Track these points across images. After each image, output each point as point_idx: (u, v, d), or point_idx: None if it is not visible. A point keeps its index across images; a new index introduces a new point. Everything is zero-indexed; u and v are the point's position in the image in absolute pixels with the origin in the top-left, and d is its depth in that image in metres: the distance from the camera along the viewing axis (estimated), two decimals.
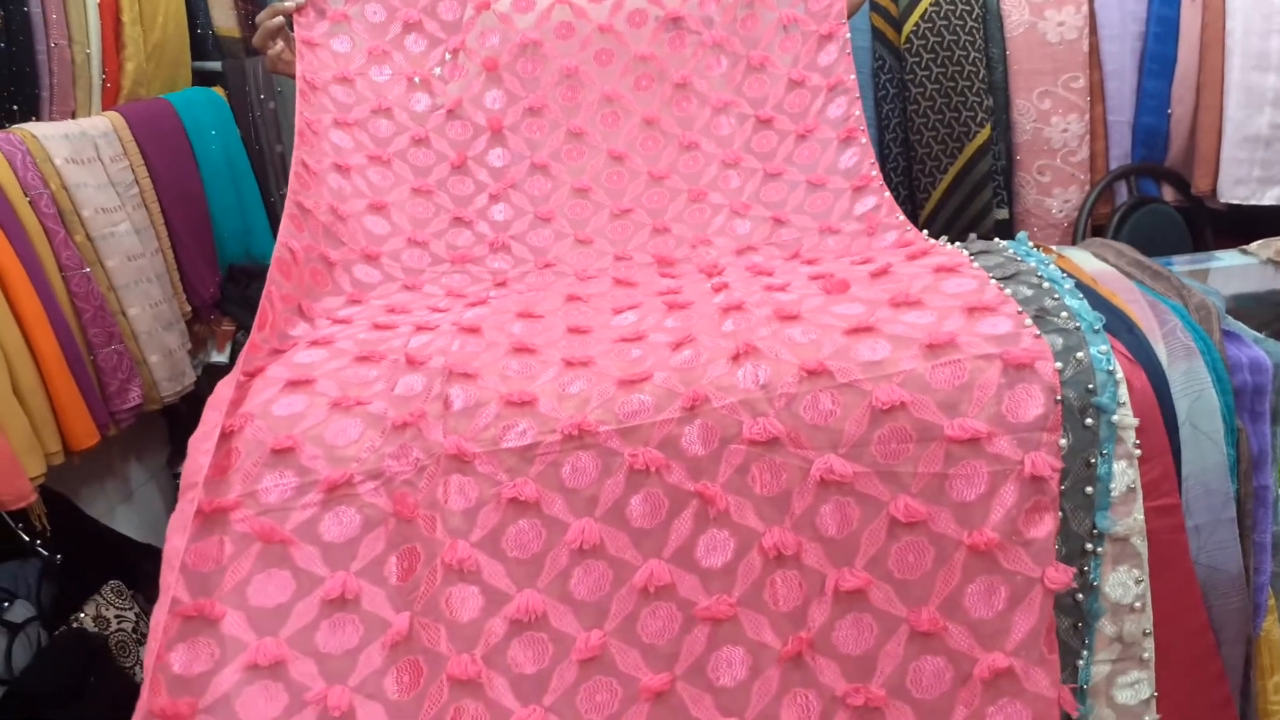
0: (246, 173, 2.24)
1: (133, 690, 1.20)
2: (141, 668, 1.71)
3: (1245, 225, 2.11)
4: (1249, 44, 1.96)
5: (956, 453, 0.96)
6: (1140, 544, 0.97)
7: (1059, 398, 0.96)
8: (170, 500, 2.12)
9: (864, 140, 1.42)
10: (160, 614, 0.91)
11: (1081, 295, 1.06)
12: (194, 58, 2.25)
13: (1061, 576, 0.94)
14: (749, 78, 1.50)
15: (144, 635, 1.79)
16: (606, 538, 0.97)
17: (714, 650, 0.96)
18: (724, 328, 1.08)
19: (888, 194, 1.37)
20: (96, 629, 1.72)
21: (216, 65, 2.29)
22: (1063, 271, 1.12)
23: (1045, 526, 0.95)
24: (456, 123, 1.50)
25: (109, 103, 1.95)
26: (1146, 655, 0.98)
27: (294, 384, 1.07)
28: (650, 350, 1.08)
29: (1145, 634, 0.98)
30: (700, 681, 0.96)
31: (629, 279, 1.35)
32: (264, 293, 1.15)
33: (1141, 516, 0.97)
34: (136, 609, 1.82)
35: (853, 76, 1.45)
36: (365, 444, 1.01)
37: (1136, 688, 0.99)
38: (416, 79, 1.51)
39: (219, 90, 2.25)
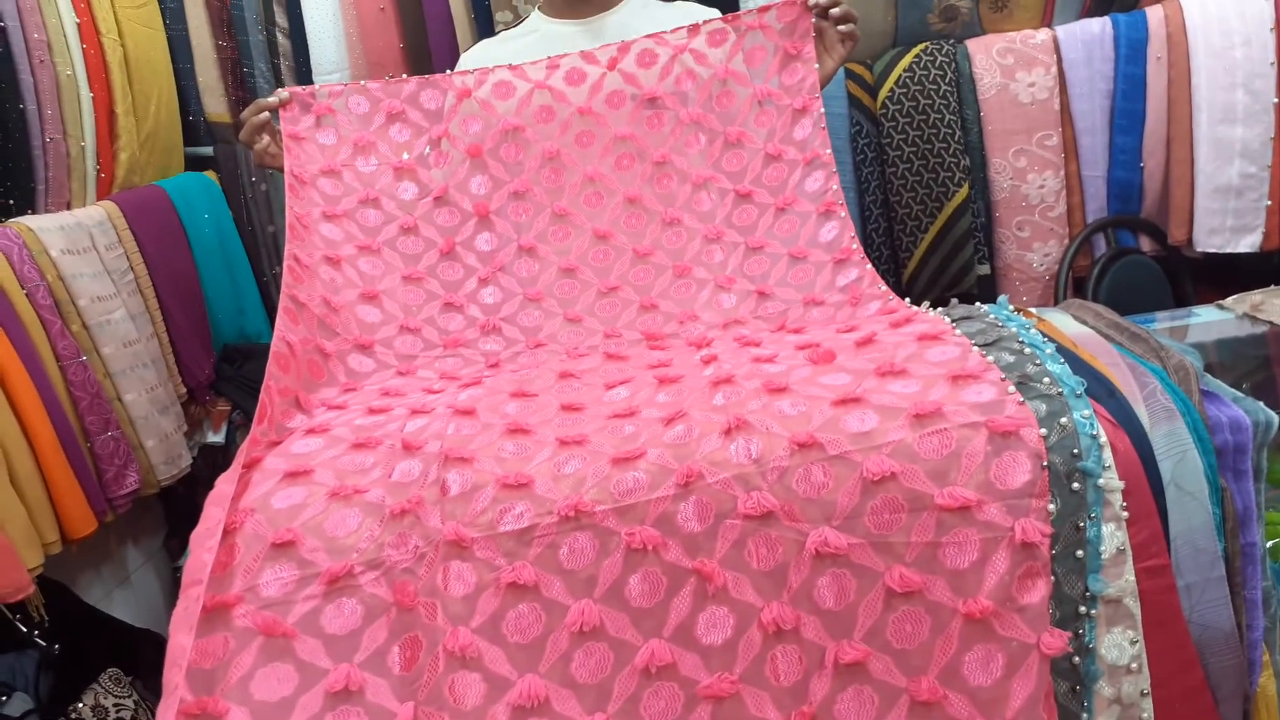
0: (239, 254, 2.27)
1: None
2: None
3: (1223, 271, 2.16)
4: (1215, 98, 2.02)
5: (948, 521, 0.97)
6: (1133, 605, 0.98)
7: (1045, 463, 0.98)
8: (168, 582, 2.12)
9: (843, 214, 1.45)
10: (165, 715, 0.91)
11: (1063, 360, 1.08)
12: (186, 143, 2.30)
13: (1057, 642, 0.95)
14: (727, 153, 1.54)
15: None
16: (606, 619, 0.98)
17: None
18: (714, 401, 1.10)
19: (869, 266, 1.40)
20: (95, 719, 1.71)
21: (208, 150, 2.34)
22: (1043, 335, 1.15)
23: (1038, 592, 0.96)
24: (444, 209, 1.53)
25: (103, 192, 1.99)
26: (1145, 716, 0.99)
27: (292, 475, 1.08)
28: (643, 426, 1.09)
29: (1143, 694, 0.99)
30: None
31: (620, 353, 1.37)
32: (263, 387, 1.17)
33: (1133, 578, 0.98)
34: (135, 696, 1.81)
35: (828, 151, 1.48)
36: (365, 534, 1.02)
37: None
38: (406, 155, 1.54)
39: (211, 174, 2.29)
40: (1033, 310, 1.30)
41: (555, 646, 0.97)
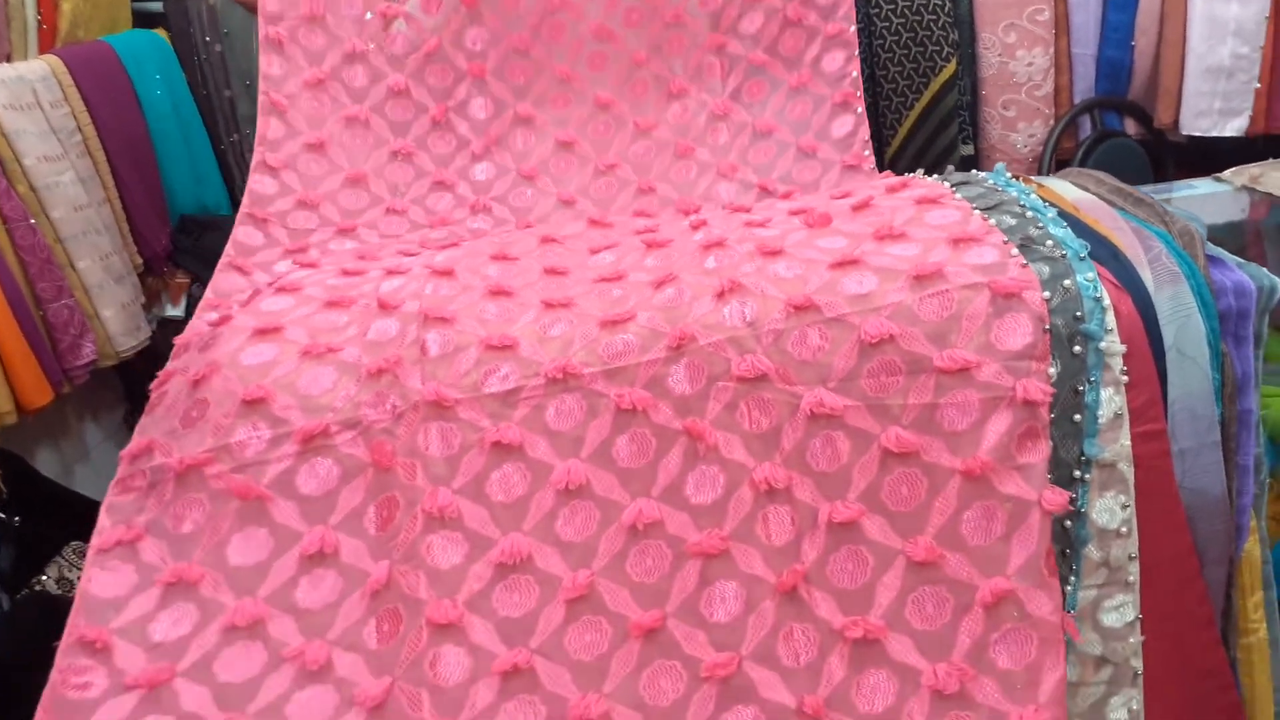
0: (195, 119, 2.15)
1: None
2: None
3: (1206, 157, 2.13)
4: None
5: (947, 383, 0.95)
6: (1127, 470, 0.97)
7: (1047, 326, 0.95)
8: None
9: (859, 109, 1.38)
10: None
11: (1065, 224, 1.05)
12: None
13: (1059, 499, 0.93)
14: (744, 15, 1.44)
15: None
16: (593, 478, 0.96)
17: (706, 586, 0.95)
18: (706, 265, 1.06)
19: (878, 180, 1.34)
20: (60, 591, 1.68)
21: (157, 4, 2.19)
22: (1044, 200, 1.11)
23: (1039, 453, 0.94)
24: (436, 66, 1.43)
25: (46, 45, 1.87)
26: (1131, 579, 0.99)
27: (262, 332, 1.03)
28: (631, 289, 1.05)
29: (1131, 558, 0.99)
30: (693, 618, 0.95)
31: (604, 220, 1.32)
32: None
33: (1128, 443, 0.97)
34: None
35: (853, 28, 1.39)
36: (340, 392, 0.98)
37: (1121, 610, 1.00)
38: None
39: (161, 32, 2.15)
40: (1031, 178, 1.26)
41: (540, 505, 0.95)
